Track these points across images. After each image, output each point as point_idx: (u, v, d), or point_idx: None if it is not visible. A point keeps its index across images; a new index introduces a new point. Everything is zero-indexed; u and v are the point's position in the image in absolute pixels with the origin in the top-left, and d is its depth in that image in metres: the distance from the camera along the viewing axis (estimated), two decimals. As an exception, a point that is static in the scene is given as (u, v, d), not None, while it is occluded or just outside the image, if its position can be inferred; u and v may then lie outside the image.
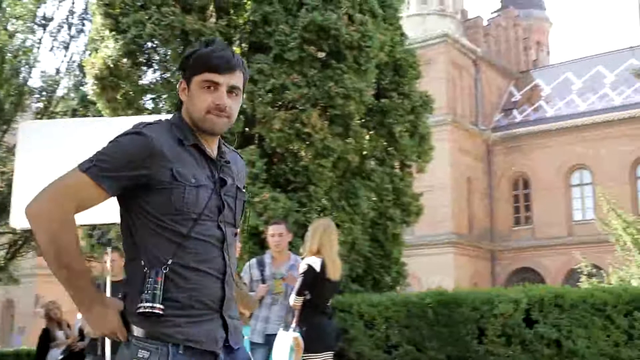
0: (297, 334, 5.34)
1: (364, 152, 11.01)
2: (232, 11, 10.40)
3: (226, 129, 2.02)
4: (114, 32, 9.71)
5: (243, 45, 10.76)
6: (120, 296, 1.95)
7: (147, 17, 9.41)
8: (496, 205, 34.20)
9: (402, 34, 12.44)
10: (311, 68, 9.81)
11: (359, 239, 10.18)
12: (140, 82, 10.29)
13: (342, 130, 10.08)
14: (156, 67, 10.38)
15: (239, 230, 2.15)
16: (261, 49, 10.01)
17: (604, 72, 33.34)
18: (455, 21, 36.22)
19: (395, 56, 11.76)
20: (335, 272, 5.62)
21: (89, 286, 1.88)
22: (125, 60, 9.64)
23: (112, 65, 9.54)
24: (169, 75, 10.29)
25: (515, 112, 35.69)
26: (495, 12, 41.87)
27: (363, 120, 11.08)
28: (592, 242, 25.62)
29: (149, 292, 1.85)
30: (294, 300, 5.47)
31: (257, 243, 8.83)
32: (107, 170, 1.86)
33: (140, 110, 9.91)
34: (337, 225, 9.51)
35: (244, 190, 2.10)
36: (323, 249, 5.60)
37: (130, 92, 9.97)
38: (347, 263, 9.57)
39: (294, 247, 7.16)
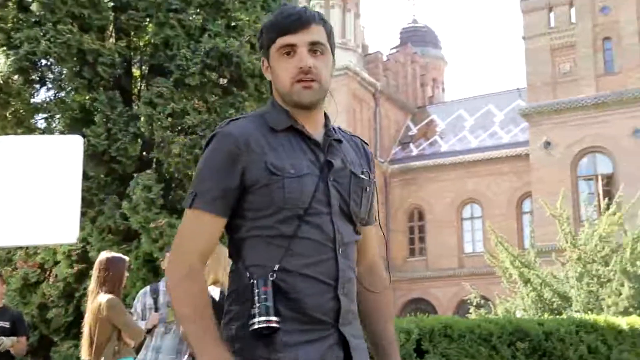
0: None
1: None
2: (132, 33, 10.21)
3: (321, 97, 1.73)
4: (4, 48, 9.28)
5: (143, 67, 10.58)
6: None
7: (42, 34, 9.07)
8: (392, 236, 35.04)
9: (304, 65, 12.66)
10: (212, 94, 9.77)
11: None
12: (33, 100, 9.87)
13: (241, 158, 10.05)
14: (50, 86, 9.98)
15: (370, 224, 1.85)
16: (162, 73, 9.87)
17: (494, 110, 35.15)
18: (357, 55, 37.20)
19: (296, 86, 11.95)
20: None
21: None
22: (16, 77, 9.24)
23: (1, 82, 9.11)
24: (63, 94, 9.92)
25: (412, 145, 36.89)
26: (394, 48, 43.37)
27: (263, 148, 11.13)
28: (481, 274, 26.62)
29: (261, 304, 1.58)
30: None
31: (151, 270, 8.61)
32: (209, 192, 1.65)
33: (31, 130, 9.48)
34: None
35: (362, 176, 1.75)
36: (223, 278, 5.53)
37: (21, 111, 9.54)
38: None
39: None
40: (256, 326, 1.58)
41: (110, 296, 5.05)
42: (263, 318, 1.57)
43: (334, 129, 1.80)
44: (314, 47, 1.70)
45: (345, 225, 1.70)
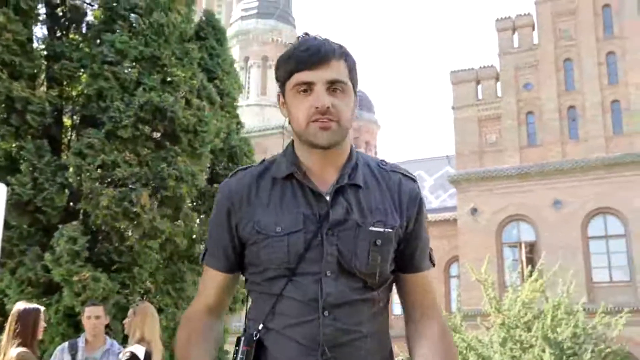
0: None
1: (194, 236, 10.87)
2: (65, 82, 10.08)
3: (340, 137, 1.57)
4: None
5: (74, 117, 10.42)
6: None
7: (-31, 80, 8.86)
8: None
9: (239, 123, 12.74)
10: (144, 147, 9.68)
11: (182, 325, 9.88)
12: (-45, 146, 9.53)
13: (172, 212, 9.92)
14: (-25, 132, 9.68)
15: (419, 270, 1.70)
16: (93, 124, 9.74)
17: (424, 176, 36.05)
18: (292, 116, 37.75)
19: (230, 143, 11.97)
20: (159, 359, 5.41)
21: None
22: (-61, 121, 8.94)
23: None
24: (-10, 141, 9.64)
25: (343, 207, 37.19)
26: (329, 111, 44.16)
27: (194, 204, 11.02)
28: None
29: None
30: None
31: (72, 325, 8.28)
32: (212, 248, 1.68)
33: (-51, 176, 9.13)
34: (161, 310, 9.25)
35: (373, 228, 1.57)
36: (149, 336, 5.40)
37: (-58, 156, 9.19)
38: (169, 349, 9.20)
39: (111, 331, 6.81)
40: None
41: (21, 349, 4.81)
42: None
43: (365, 167, 1.65)
44: (333, 85, 1.56)
45: (344, 284, 1.55)
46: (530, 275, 18.69)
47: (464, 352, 16.85)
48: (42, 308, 5.08)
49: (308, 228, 1.55)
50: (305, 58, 1.55)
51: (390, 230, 1.59)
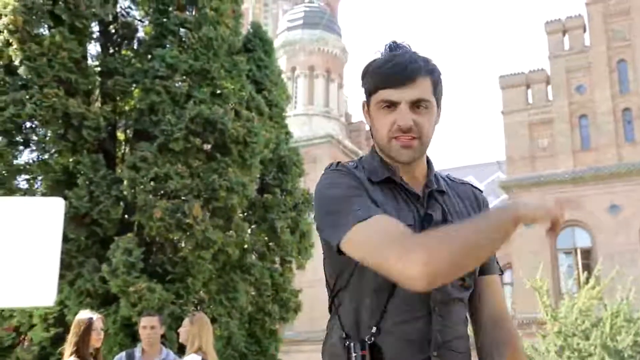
0: None
1: (245, 246, 10.99)
2: (118, 97, 10.34)
3: (421, 154, 1.62)
4: (-10, 110, 9.35)
5: (128, 132, 10.67)
6: None
7: (27, 97, 9.16)
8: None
9: (288, 133, 12.83)
10: (196, 159, 9.84)
11: (236, 334, 9.98)
12: (15, 161, 9.86)
13: (223, 223, 10.05)
14: (34, 147, 10.01)
15: (491, 273, 1.71)
16: (146, 137, 9.96)
17: (475, 181, 35.52)
18: (339, 123, 37.76)
19: (279, 153, 12.06)
20: None
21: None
22: (0, 138, 9.26)
23: (-16, 144, 9.14)
24: (46, 156, 9.94)
25: (394, 214, 36.96)
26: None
27: (245, 214, 11.14)
28: (463, 345, 26.25)
29: None
30: None
31: (129, 335, 8.45)
32: (359, 204, 1.52)
33: (12, 191, 9.44)
34: (214, 319, 9.37)
35: None
36: (206, 346, 5.46)
37: (3, 172, 9.51)
38: (222, 359, 9.30)
39: (167, 341, 6.92)
40: None
41: (72, 358, 4.90)
42: None
43: (439, 177, 1.71)
44: (417, 104, 1.58)
45: (444, 284, 1.55)
46: (587, 282, 18.21)
47: (520, 361, 16.50)
48: (96, 316, 5.13)
49: (417, 227, 1.57)
50: (391, 76, 1.56)
51: None
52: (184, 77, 10.23)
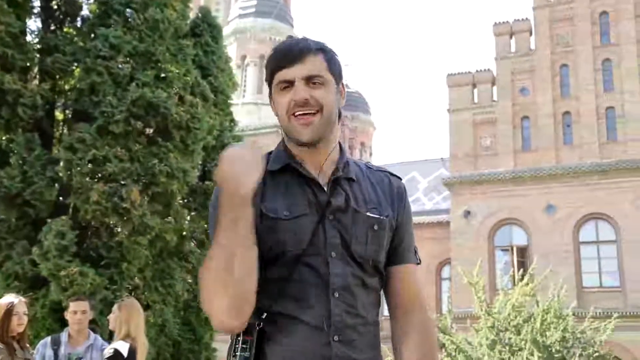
0: None
1: (184, 233, 10.87)
2: (57, 76, 10.05)
3: (323, 131, 1.62)
4: None
5: (66, 112, 10.40)
6: None
7: (-40, 71, 8.82)
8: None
9: (232, 120, 12.74)
10: (136, 143, 9.67)
11: (170, 322, 9.89)
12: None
13: (162, 209, 9.92)
14: (-33, 125, 9.66)
15: (403, 263, 1.69)
16: (85, 118, 9.72)
17: (419, 177, 36.06)
18: (288, 115, 37.74)
19: (223, 141, 11.96)
20: (143, 356, 5.39)
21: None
22: None
23: None
24: (-18, 134, 9.63)
25: (337, 207, 37.14)
26: (325, 111, 44.14)
27: (185, 201, 11.02)
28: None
29: (239, 354, 1.51)
30: None
31: (58, 320, 8.24)
32: None
33: (-61, 168, 9.11)
34: (148, 306, 9.25)
35: (369, 214, 1.63)
36: (135, 332, 5.38)
37: None
38: (155, 346, 9.20)
39: (98, 327, 6.80)
40: None
41: None
42: None
43: (353, 164, 1.71)
44: (311, 80, 1.61)
45: (347, 267, 1.58)
46: (522, 279, 18.73)
47: (453, 353, 16.87)
48: (18, 300, 5.00)
49: (313, 213, 1.59)
50: (283, 56, 1.62)
51: (385, 217, 1.66)
52: (128, 59, 10.02)
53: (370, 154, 46.70)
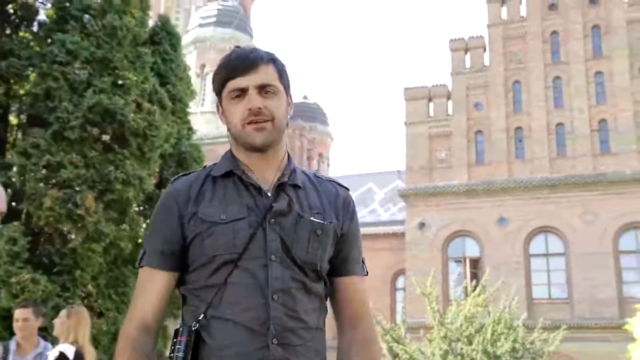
0: None
1: (139, 240, 10.80)
2: (12, 80, 9.94)
3: (274, 137, 1.66)
4: None
5: (21, 116, 10.28)
6: None
7: None
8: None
9: (190, 128, 12.74)
10: (92, 149, 9.62)
11: (123, 330, 9.80)
12: None
13: (117, 216, 9.87)
14: None
15: (348, 274, 1.70)
16: (40, 124, 9.64)
17: (375, 189, 36.37)
18: (246, 125, 37.65)
19: (180, 149, 11.96)
20: None
21: None
22: None
23: None
24: None
25: (293, 218, 37.12)
26: (283, 122, 44.21)
27: (141, 208, 10.96)
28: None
29: (174, 354, 1.51)
30: None
31: (8, 328, 8.10)
32: (154, 248, 1.63)
33: None
34: (101, 314, 9.16)
35: (313, 219, 1.63)
36: (82, 340, 5.34)
37: None
38: (108, 354, 9.11)
39: (49, 334, 6.72)
40: None
41: None
42: None
43: (300, 172, 1.73)
44: (263, 89, 1.64)
45: (288, 271, 1.58)
46: (474, 290, 19.07)
47: (406, 363, 17.09)
48: None
49: (252, 217, 1.59)
50: (235, 66, 1.64)
51: (329, 223, 1.66)
52: (85, 65, 9.98)
53: (328, 165, 46.90)
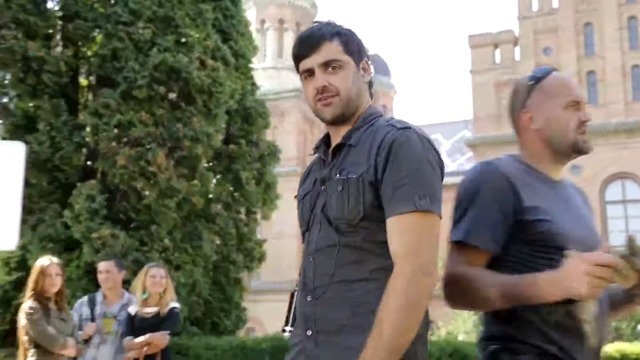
0: None
1: (210, 196, 10.98)
2: (80, 43, 10.11)
3: (343, 109, 1.74)
4: (-55, 51, 9.09)
5: (91, 78, 10.48)
6: None
7: (-16, 39, 8.92)
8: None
9: (254, 84, 12.72)
10: (160, 108, 9.72)
11: (200, 282, 10.04)
12: (-26, 104, 9.67)
13: (188, 172, 10.01)
14: (-7, 92, 9.81)
15: (389, 216, 1.62)
16: (109, 84, 9.80)
17: (441, 139, 35.89)
18: (308, 79, 37.52)
19: (245, 105, 11.97)
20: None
21: None
22: (-43, 81, 9.05)
23: (-58, 86, 8.91)
24: (6, 100, 9.74)
25: (359, 171, 37.20)
26: (345, 76, 43.95)
27: (210, 164, 11.09)
28: (426, 298, 26.89)
29: (287, 314, 1.79)
30: (167, 340, 5.22)
31: (92, 280, 8.43)
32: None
33: (-29, 134, 9.30)
34: (178, 267, 9.40)
35: (338, 176, 1.68)
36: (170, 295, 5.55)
37: (-39, 114, 9.32)
38: (187, 305, 9.38)
39: (130, 287, 6.94)
40: (285, 333, 1.80)
41: (28, 303, 4.95)
42: (284, 327, 1.79)
43: (359, 130, 1.74)
44: (327, 66, 1.73)
45: (324, 231, 1.68)
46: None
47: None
48: (50, 262, 5.14)
49: (315, 189, 1.75)
50: (301, 48, 1.76)
51: (352, 176, 1.66)
52: (148, 24, 10.03)
53: (392, 118, 46.45)
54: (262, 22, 36.38)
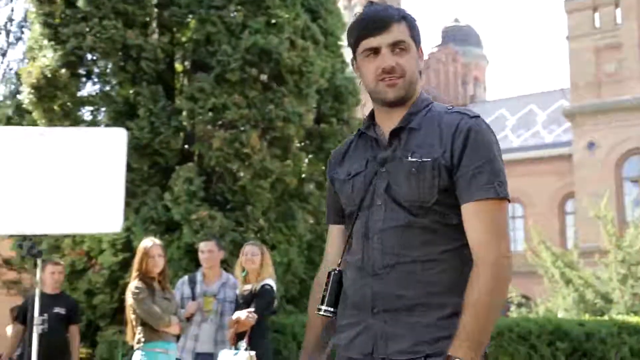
0: (253, 353, 5.23)
1: (303, 175, 11.08)
2: (175, 29, 10.38)
3: (406, 91, 1.77)
4: (52, 42, 9.54)
5: (185, 63, 10.75)
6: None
7: (87, 29, 9.30)
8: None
9: (343, 62, 12.65)
10: (252, 90, 9.86)
11: (295, 261, 10.20)
12: (79, 93, 10.13)
13: (281, 153, 10.14)
14: (96, 80, 10.24)
15: (468, 201, 1.68)
16: (203, 68, 10.02)
17: (536, 110, 34.66)
18: (397, 54, 37.07)
19: (335, 83, 11.93)
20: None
21: None
22: (63, 70, 9.48)
23: (49, 75, 9.35)
24: (108, 88, 10.16)
25: (452, 145, 36.51)
26: (436, 47, 43.07)
27: (302, 144, 11.17)
28: (522, 273, 26.30)
29: (323, 293, 1.82)
30: (253, 318, 5.34)
31: (193, 260, 8.74)
32: (327, 208, 2.06)
33: (77, 122, 9.74)
34: (274, 246, 9.58)
35: (411, 158, 1.71)
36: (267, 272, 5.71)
37: (68, 103, 9.78)
38: (283, 284, 9.57)
39: (229, 266, 7.15)
40: (319, 313, 1.83)
41: (134, 283, 5.21)
42: (320, 306, 1.81)
43: (418, 115, 1.78)
44: (396, 46, 1.75)
45: (388, 212, 1.71)
46: (654, 211, 17.77)
47: (581, 289, 16.39)
48: (152, 243, 5.39)
49: (369, 169, 1.78)
50: (368, 25, 1.76)
51: (427, 160, 1.71)
52: (239, 7, 10.16)
53: (484, 89, 45.23)
54: (350, -3, 36.11)
